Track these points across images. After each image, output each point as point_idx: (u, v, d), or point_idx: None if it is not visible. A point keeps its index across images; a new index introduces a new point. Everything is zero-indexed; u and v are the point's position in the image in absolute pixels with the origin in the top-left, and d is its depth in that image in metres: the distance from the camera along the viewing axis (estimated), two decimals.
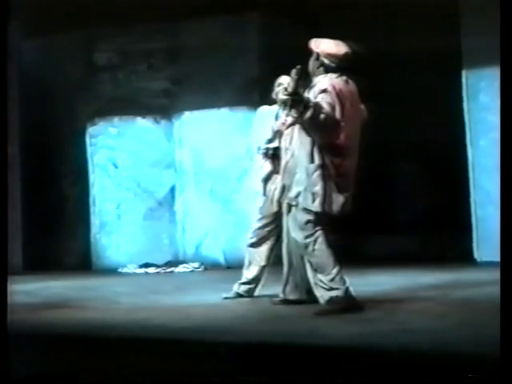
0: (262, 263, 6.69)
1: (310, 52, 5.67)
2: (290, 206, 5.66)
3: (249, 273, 6.71)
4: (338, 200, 5.49)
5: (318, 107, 5.31)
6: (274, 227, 6.63)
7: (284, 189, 5.68)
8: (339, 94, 5.47)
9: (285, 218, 5.84)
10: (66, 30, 11.52)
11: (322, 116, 5.31)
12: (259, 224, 6.69)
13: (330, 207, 5.47)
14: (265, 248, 6.68)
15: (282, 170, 5.77)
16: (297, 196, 5.54)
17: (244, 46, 11.14)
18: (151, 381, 4.22)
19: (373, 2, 10.01)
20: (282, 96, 5.61)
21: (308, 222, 5.54)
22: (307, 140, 5.51)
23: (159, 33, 11.66)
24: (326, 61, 5.57)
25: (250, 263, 6.73)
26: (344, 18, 10.48)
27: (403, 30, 10.87)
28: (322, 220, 5.57)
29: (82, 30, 11.62)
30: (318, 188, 5.44)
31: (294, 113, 5.38)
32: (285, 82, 6.16)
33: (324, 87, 5.48)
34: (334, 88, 5.47)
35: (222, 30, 11.26)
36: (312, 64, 5.66)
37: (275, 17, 11.06)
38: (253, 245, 6.72)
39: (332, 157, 5.48)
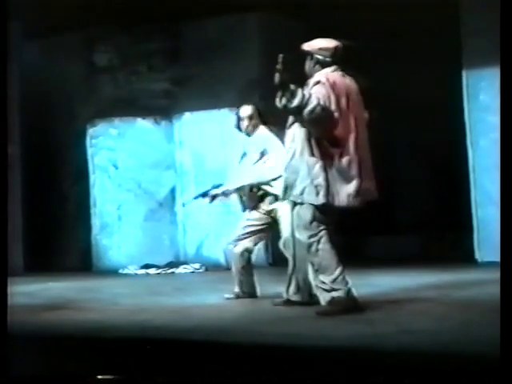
0: (239, 266, 6.72)
1: (304, 55, 5.70)
2: (294, 205, 5.65)
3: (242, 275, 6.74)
4: (343, 191, 5.47)
5: (306, 95, 5.33)
6: (257, 232, 6.68)
7: (287, 188, 5.67)
8: (333, 86, 5.49)
9: (289, 218, 5.83)
10: (66, 31, 11.53)
11: (313, 104, 5.32)
12: (243, 225, 6.73)
13: (333, 199, 5.46)
14: (241, 251, 6.70)
15: (284, 169, 5.76)
16: (302, 193, 5.53)
17: (244, 47, 11.15)
18: (152, 381, 4.22)
19: (373, 2, 10.01)
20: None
21: (313, 220, 5.52)
22: (307, 135, 5.52)
23: (159, 34, 11.67)
24: (320, 56, 5.62)
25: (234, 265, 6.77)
26: (344, 17, 10.48)
27: (403, 31, 10.88)
28: (327, 218, 5.56)
29: (83, 31, 11.63)
30: (321, 179, 5.44)
31: (283, 101, 5.40)
32: (242, 114, 6.75)
33: (318, 79, 5.52)
34: (327, 80, 5.50)
35: (222, 30, 11.27)
36: (308, 65, 5.70)
37: (275, 17, 11.06)
38: (232, 244, 6.76)
39: (332, 148, 5.48)
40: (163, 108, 11.77)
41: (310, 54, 5.67)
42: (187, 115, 11.65)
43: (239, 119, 6.80)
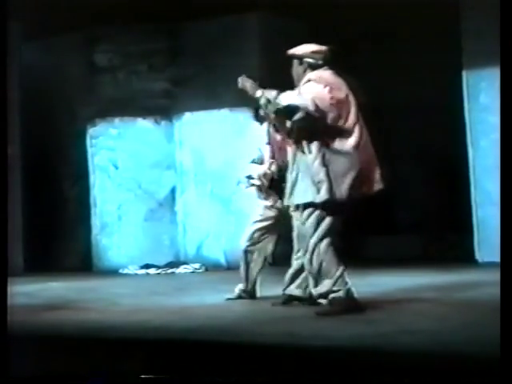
0: (258, 267, 6.68)
1: (293, 59, 5.71)
2: (296, 210, 5.63)
3: (244, 278, 6.70)
4: (344, 184, 5.45)
5: (287, 95, 5.43)
6: (270, 231, 6.64)
7: (291, 192, 5.64)
8: (325, 82, 5.53)
9: (294, 221, 5.82)
10: (66, 31, 11.53)
11: (300, 102, 5.38)
12: (256, 227, 6.68)
13: (335, 193, 5.44)
14: (260, 251, 6.66)
15: (288, 174, 5.74)
16: (304, 193, 5.50)
17: (244, 47, 11.14)
18: (152, 381, 4.22)
19: (373, 3, 10.01)
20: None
21: (317, 224, 5.51)
22: (303, 133, 5.53)
23: (159, 34, 11.67)
24: (311, 60, 5.65)
25: (244, 269, 6.71)
26: (344, 18, 10.49)
27: (403, 31, 10.88)
28: (331, 222, 5.54)
29: (83, 31, 11.63)
30: (322, 175, 5.42)
31: (270, 108, 5.53)
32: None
33: (308, 78, 5.57)
34: (318, 77, 5.56)
35: (222, 30, 11.27)
36: (296, 71, 5.72)
37: (275, 17, 11.06)
38: (250, 248, 6.69)
39: (331, 142, 5.47)
40: (163, 108, 11.77)
41: (301, 58, 5.68)
42: (187, 115, 11.65)
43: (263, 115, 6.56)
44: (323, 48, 5.68)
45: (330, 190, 5.43)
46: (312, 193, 5.47)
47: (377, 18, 10.61)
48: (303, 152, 5.51)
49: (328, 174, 5.43)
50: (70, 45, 11.93)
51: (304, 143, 5.51)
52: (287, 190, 5.69)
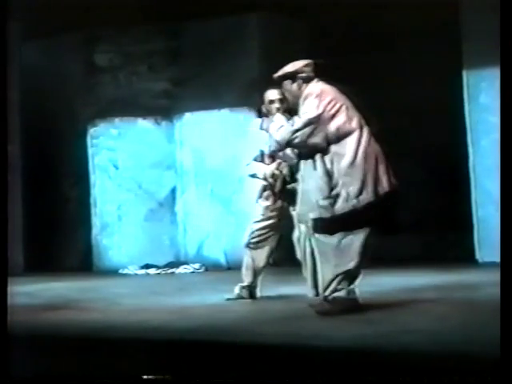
0: (261, 265, 6.68)
1: (286, 79, 5.71)
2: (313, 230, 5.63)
3: (248, 274, 6.70)
4: (368, 187, 5.45)
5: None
6: (273, 230, 6.63)
7: (301, 216, 5.64)
8: (322, 92, 5.54)
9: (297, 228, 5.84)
10: (66, 31, 11.53)
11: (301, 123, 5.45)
12: (260, 225, 6.67)
13: (359, 198, 5.43)
14: (265, 250, 6.66)
15: (298, 200, 5.74)
16: (324, 208, 5.47)
17: (244, 47, 11.15)
18: (152, 381, 4.22)
19: (373, 3, 10.02)
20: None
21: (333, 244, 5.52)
22: (312, 151, 5.54)
23: (160, 34, 11.67)
24: (304, 74, 5.65)
25: (248, 265, 6.71)
26: (343, 18, 10.49)
27: (403, 31, 10.88)
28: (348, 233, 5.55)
29: (83, 31, 11.63)
30: (338, 189, 5.41)
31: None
32: (272, 97, 6.41)
33: (306, 93, 5.59)
34: (316, 89, 5.58)
35: (223, 30, 11.27)
36: (290, 91, 5.73)
37: (275, 17, 11.06)
38: (253, 246, 6.69)
39: (340, 149, 5.45)
40: (164, 108, 11.77)
41: (294, 74, 5.68)
42: (188, 115, 11.65)
43: (270, 102, 6.49)
44: (310, 61, 5.73)
45: (346, 200, 5.41)
46: (326, 207, 5.43)
47: (377, 17, 10.61)
48: (313, 168, 5.51)
49: (342, 186, 5.41)
50: (70, 45, 11.93)
51: (312, 161, 5.51)
52: (297, 204, 5.69)
